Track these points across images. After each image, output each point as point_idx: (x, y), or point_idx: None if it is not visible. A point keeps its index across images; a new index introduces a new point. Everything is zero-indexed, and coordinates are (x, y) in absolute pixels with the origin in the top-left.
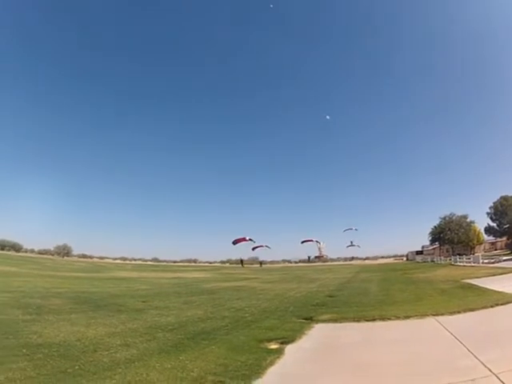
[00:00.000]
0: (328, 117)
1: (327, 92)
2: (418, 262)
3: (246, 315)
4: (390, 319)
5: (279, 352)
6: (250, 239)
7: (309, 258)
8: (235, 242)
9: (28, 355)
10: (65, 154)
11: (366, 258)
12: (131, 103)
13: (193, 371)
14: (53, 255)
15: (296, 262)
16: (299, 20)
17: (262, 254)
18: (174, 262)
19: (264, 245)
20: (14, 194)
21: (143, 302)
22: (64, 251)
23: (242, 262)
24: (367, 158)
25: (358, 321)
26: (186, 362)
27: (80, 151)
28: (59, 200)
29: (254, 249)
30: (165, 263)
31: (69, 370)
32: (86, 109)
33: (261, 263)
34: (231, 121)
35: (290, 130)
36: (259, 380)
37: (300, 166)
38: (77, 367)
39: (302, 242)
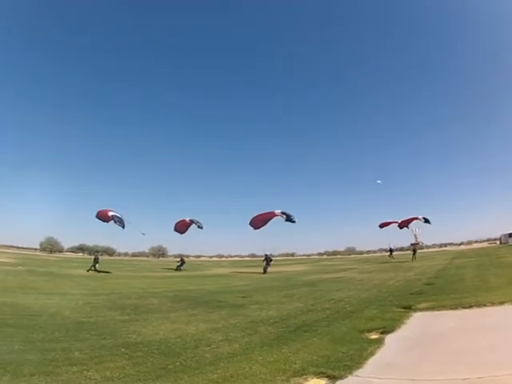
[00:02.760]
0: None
1: None
2: (510, 245)
3: (346, 306)
4: (485, 305)
5: (379, 342)
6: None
7: (390, 250)
8: (382, 226)
9: (127, 354)
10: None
11: (461, 244)
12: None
13: (295, 363)
14: (148, 257)
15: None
16: None
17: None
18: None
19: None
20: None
21: (243, 297)
22: (159, 252)
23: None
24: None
25: (455, 308)
26: (289, 354)
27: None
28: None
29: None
30: (262, 258)
31: (170, 367)
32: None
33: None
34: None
35: None
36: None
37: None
38: (178, 363)
39: (381, 227)
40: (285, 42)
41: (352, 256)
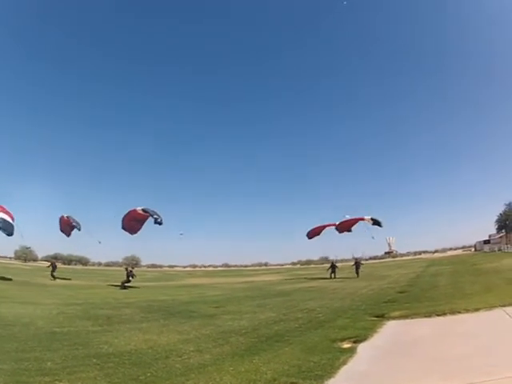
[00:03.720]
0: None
1: None
2: (485, 252)
3: (319, 315)
4: (460, 313)
5: (352, 351)
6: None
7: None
8: (311, 235)
9: (98, 364)
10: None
11: (435, 251)
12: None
13: (266, 373)
14: (121, 266)
15: (366, 259)
16: None
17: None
18: (245, 266)
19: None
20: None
21: (216, 307)
22: (133, 262)
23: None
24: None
25: (429, 316)
26: (260, 364)
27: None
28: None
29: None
30: (235, 268)
31: (141, 377)
32: None
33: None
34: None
35: None
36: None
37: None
38: (149, 374)
39: (310, 237)
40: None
41: (325, 265)
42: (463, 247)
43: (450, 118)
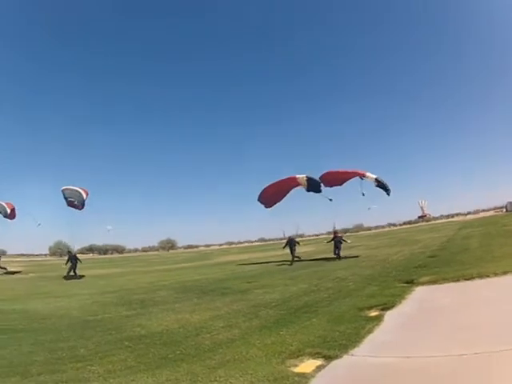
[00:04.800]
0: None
1: None
2: None
3: (349, 284)
4: (488, 276)
5: (378, 319)
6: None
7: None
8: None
9: (130, 347)
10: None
11: (468, 213)
12: None
13: (292, 345)
14: (158, 250)
15: (400, 225)
16: None
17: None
18: (281, 239)
19: None
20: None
21: (248, 282)
22: (168, 245)
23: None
24: None
25: (457, 280)
26: (286, 336)
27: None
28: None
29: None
30: (271, 242)
31: (170, 356)
32: None
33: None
34: None
35: None
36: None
37: None
38: (178, 352)
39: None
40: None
41: (360, 233)
42: (495, 208)
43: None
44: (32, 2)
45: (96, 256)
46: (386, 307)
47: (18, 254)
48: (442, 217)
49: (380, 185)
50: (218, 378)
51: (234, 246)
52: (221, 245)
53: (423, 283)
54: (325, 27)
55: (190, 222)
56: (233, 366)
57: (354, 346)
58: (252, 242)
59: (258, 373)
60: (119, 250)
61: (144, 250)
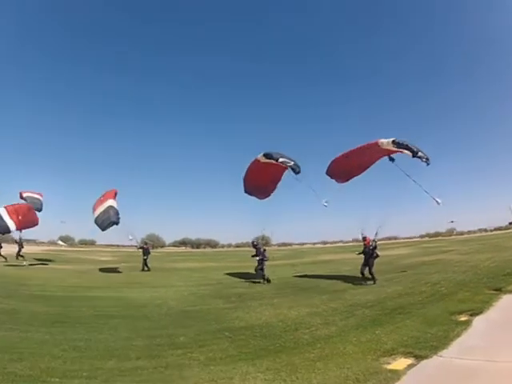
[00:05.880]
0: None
1: None
2: None
3: (442, 288)
4: None
5: (467, 324)
6: None
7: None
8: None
9: (230, 337)
10: None
11: None
12: None
13: (386, 344)
14: (249, 247)
15: (491, 230)
16: None
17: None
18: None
19: None
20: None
21: (345, 282)
22: (263, 242)
23: None
24: None
25: None
26: (381, 335)
27: None
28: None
29: None
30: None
31: (270, 348)
32: None
33: None
34: None
35: None
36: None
37: None
38: (277, 345)
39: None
40: None
41: (452, 237)
42: None
43: None
44: None
45: (189, 249)
46: (475, 313)
47: (107, 245)
48: None
49: (411, 150)
50: (316, 370)
51: (328, 245)
52: (314, 243)
53: (511, 291)
54: None
55: (284, 220)
56: (330, 360)
57: (443, 348)
58: (346, 242)
59: (354, 367)
60: (212, 244)
61: (238, 245)
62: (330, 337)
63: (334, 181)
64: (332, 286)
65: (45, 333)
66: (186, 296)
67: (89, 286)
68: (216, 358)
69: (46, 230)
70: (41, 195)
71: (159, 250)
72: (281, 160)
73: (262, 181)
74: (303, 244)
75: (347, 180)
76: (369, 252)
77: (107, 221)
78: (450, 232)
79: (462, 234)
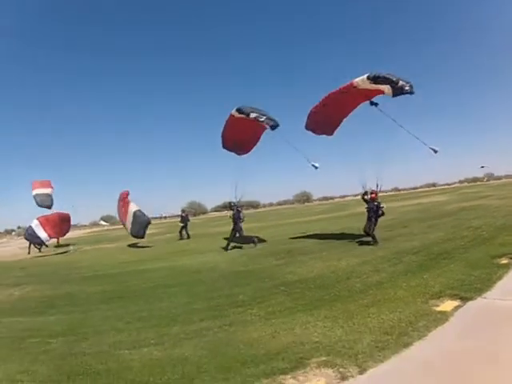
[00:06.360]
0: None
1: None
2: None
3: (483, 233)
4: None
5: (508, 267)
6: None
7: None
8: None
9: (286, 291)
10: None
11: None
12: None
13: (434, 287)
14: (293, 203)
15: None
16: None
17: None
18: (414, 188)
19: None
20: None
21: (389, 231)
22: (303, 198)
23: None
24: None
25: None
26: (429, 279)
27: None
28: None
29: None
30: (404, 191)
31: (325, 297)
32: None
33: None
34: None
35: None
36: None
37: None
38: (332, 294)
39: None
40: None
41: (491, 182)
42: None
43: None
44: None
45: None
46: None
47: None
48: None
49: (391, 82)
50: (370, 315)
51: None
52: (356, 195)
53: None
54: None
55: (325, 174)
56: (383, 305)
57: (487, 290)
58: (385, 191)
59: (405, 311)
60: (254, 205)
61: (279, 203)
62: (380, 283)
63: (316, 135)
64: (377, 235)
65: (105, 310)
66: (235, 258)
67: (138, 260)
68: (275, 311)
69: (87, 213)
70: (49, 185)
71: (201, 216)
72: (252, 116)
73: (238, 136)
74: (344, 197)
75: (332, 132)
76: (373, 208)
77: (144, 224)
78: (489, 177)
79: (499, 178)
